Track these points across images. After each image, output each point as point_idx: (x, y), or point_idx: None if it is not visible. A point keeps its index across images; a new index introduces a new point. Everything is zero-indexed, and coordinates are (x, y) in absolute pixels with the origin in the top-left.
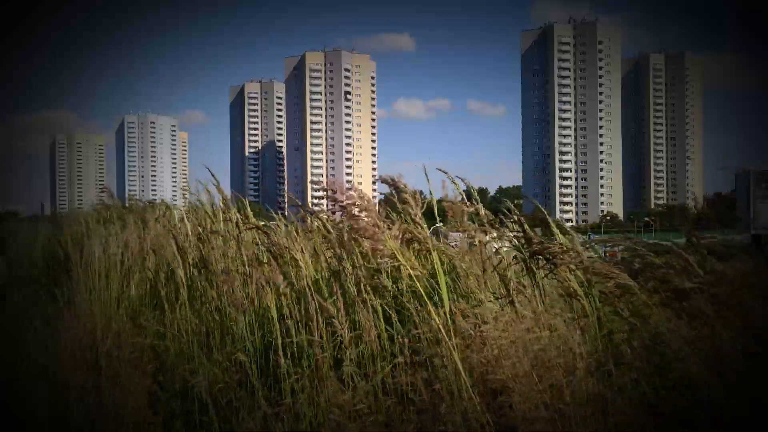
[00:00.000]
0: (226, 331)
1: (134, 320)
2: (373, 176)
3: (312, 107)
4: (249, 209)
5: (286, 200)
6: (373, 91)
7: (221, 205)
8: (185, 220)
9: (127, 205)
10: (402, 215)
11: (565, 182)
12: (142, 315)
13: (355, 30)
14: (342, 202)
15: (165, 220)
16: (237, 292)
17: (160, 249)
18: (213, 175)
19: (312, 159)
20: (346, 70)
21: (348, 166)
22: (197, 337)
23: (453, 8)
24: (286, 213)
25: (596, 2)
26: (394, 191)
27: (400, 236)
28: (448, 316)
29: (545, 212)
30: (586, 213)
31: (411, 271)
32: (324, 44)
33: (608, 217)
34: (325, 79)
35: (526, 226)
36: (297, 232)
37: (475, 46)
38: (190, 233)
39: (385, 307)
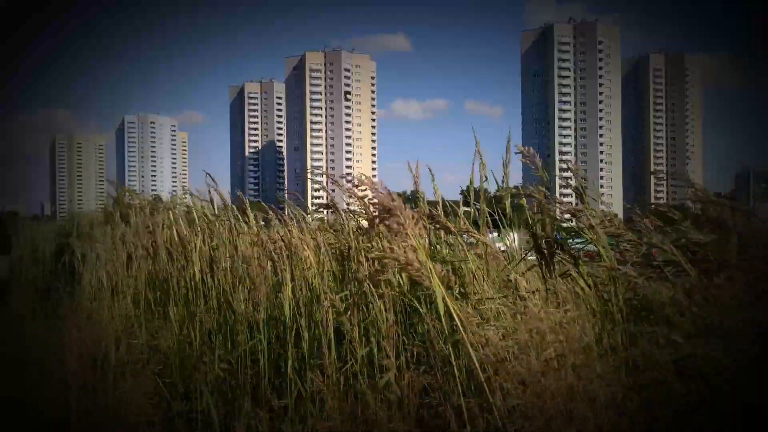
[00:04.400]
0: (230, 331)
1: (137, 320)
2: (374, 176)
3: (312, 107)
4: (249, 209)
5: (286, 196)
6: (373, 91)
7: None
8: (184, 219)
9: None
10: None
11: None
12: (145, 315)
13: (353, 30)
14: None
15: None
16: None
17: (163, 249)
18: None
19: (312, 159)
20: (346, 70)
21: (348, 166)
22: (201, 337)
23: (448, 8)
24: (287, 212)
25: (589, 3)
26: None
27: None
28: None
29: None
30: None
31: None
32: (324, 44)
33: (608, 217)
34: (325, 79)
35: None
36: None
37: (472, 46)
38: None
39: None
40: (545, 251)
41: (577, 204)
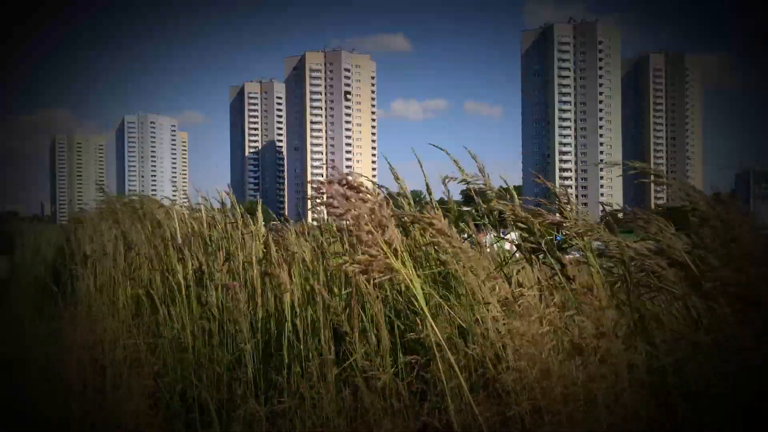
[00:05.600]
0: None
1: (136, 320)
2: (374, 176)
3: (312, 107)
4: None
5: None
6: (373, 91)
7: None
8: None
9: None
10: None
11: (565, 182)
12: (143, 315)
13: (353, 31)
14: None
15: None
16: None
17: (163, 249)
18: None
19: (312, 159)
20: (346, 70)
21: (348, 167)
22: (199, 336)
23: (448, 8)
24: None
25: (589, 3)
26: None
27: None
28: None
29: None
30: (586, 213)
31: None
32: (324, 44)
33: (608, 218)
34: (325, 79)
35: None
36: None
37: (472, 46)
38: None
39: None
40: (530, 254)
41: (559, 216)
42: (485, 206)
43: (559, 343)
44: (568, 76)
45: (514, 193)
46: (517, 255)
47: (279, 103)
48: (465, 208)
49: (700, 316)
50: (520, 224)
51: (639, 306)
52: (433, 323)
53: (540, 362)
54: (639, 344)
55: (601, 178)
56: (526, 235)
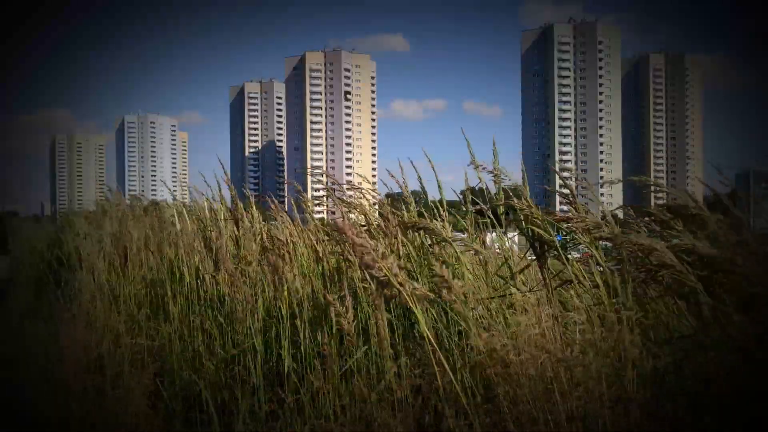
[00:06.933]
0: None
1: (135, 320)
2: (373, 176)
3: (312, 107)
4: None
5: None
6: (373, 91)
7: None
8: (186, 217)
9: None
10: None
11: (565, 182)
12: (143, 314)
13: (353, 30)
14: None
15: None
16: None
17: (162, 247)
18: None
19: (312, 159)
20: (346, 70)
21: (348, 166)
22: (199, 335)
23: (447, 8)
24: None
25: (588, 3)
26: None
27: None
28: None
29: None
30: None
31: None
32: (324, 44)
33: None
34: (325, 79)
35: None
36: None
37: (472, 46)
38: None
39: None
40: (539, 253)
41: (568, 211)
42: (499, 203)
43: (557, 343)
44: (568, 76)
45: (520, 193)
46: (521, 255)
47: (279, 103)
48: (472, 209)
49: (702, 314)
50: (535, 221)
51: (644, 303)
52: (436, 346)
53: (538, 361)
54: (640, 343)
55: (601, 178)
56: (540, 232)
